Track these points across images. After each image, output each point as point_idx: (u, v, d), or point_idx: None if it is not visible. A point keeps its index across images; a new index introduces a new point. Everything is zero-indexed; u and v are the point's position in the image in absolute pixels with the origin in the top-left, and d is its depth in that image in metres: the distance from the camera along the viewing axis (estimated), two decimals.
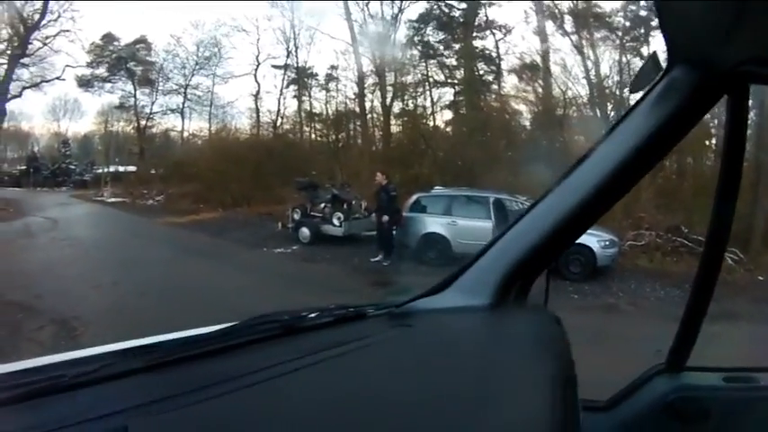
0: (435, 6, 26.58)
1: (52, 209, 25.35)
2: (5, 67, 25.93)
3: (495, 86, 26.50)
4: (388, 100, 26.83)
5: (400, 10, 26.56)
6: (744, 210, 15.56)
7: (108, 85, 29.68)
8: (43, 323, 10.50)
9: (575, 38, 24.19)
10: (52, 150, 33.00)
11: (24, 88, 26.85)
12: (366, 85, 27.39)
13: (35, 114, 31.63)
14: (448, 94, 27.28)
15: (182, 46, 29.06)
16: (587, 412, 2.31)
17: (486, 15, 26.08)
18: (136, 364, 1.47)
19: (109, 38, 28.94)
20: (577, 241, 2.26)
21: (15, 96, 26.72)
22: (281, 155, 26.03)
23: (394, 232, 16.69)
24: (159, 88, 29.99)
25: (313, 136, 29.55)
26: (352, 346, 1.77)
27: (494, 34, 25.99)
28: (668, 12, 1.65)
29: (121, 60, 29.28)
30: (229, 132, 29.74)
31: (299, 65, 28.56)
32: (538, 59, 24.97)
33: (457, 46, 26.91)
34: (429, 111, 27.32)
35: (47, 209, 25.28)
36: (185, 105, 29.99)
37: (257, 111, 29.17)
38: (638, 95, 2.01)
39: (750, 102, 2.01)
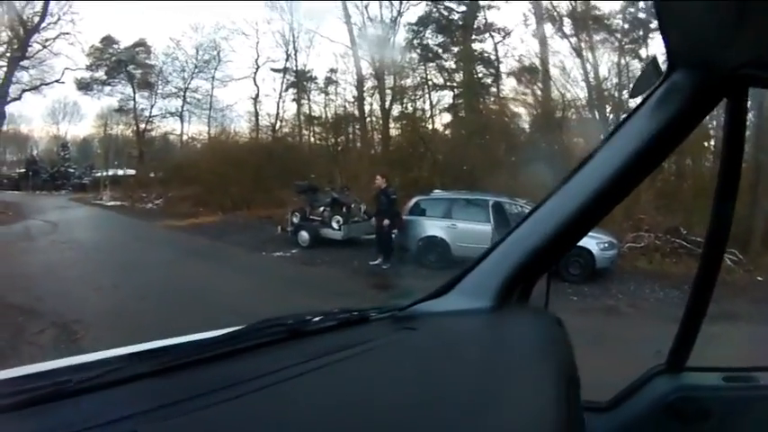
0: (434, 9, 26.59)
1: (51, 212, 25.32)
2: (5, 69, 25.91)
3: (494, 89, 26.51)
4: (388, 103, 26.81)
5: (399, 13, 26.55)
6: (743, 211, 15.58)
7: (107, 89, 29.67)
8: (44, 326, 10.51)
9: (574, 40, 24.18)
10: (51, 153, 32.90)
11: (24, 91, 26.84)
12: (365, 89, 27.37)
13: (34, 117, 31.57)
14: (447, 96, 27.30)
15: (181, 49, 29.03)
16: (588, 413, 2.31)
17: (485, 18, 26.07)
18: (142, 368, 1.47)
19: (108, 41, 28.93)
20: (577, 243, 2.27)
21: (15, 99, 26.70)
22: (281, 158, 26.01)
23: (393, 235, 16.67)
24: (158, 91, 29.97)
25: (312, 139, 29.51)
26: (357, 349, 1.78)
27: (493, 37, 25.99)
28: (668, 16, 1.67)
29: (121, 63, 29.23)
30: (228, 136, 29.71)
31: (299, 68, 28.51)
32: (537, 62, 24.96)
33: (456, 49, 26.88)
34: (428, 114, 27.28)
35: (46, 212, 25.26)
36: (184, 108, 29.95)
37: (256, 114, 29.14)
38: (638, 100, 2.03)
39: (749, 103, 2.03)
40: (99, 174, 31.35)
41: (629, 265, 16.71)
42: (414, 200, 17.38)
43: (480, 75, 26.49)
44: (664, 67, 1.92)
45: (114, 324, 10.30)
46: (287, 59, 28.26)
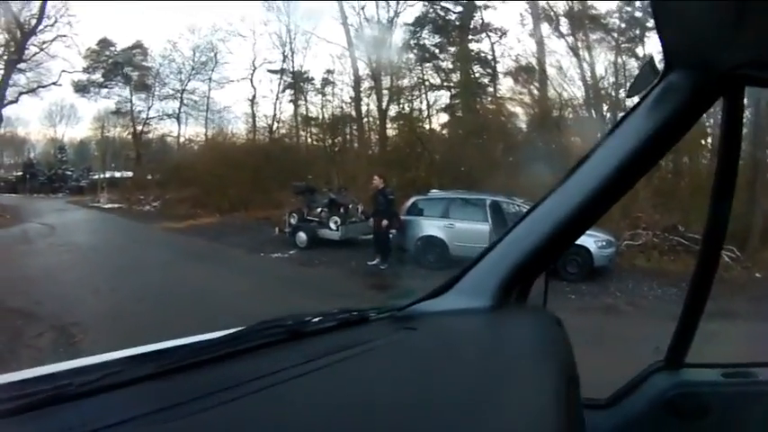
0: (431, 10, 26.60)
1: (49, 215, 25.29)
2: (2, 72, 25.92)
3: (491, 89, 26.51)
4: (385, 103, 26.79)
5: (396, 13, 26.57)
6: (741, 208, 15.63)
7: (104, 91, 29.70)
8: (42, 330, 10.50)
9: (570, 40, 24.20)
10: (49, 156, 32.94)
11: (21, 93, 26.85)
12: (362, 89, 27.38)
13: (31, 120, 31.62)
14: (444, 97, 27.31)
15: (178, 51, 29.07)
16: (588, 410, 2.32)
17: (481, 18, 26.09)
18: (142, 371, 1.47)
19: (105, 43, 28.97)
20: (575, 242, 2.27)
21: (12, 102, 26.71)
22: (278, 159, 26.01)
23: (391, 236, 16.67)
24: (155, 93, 29.98)
25: (309, 140, 29.47)
26: (357, 350, 1.78)
27: (489, 37, 25.99)
28: (664, 16, 1.67)
29: (118, 65, 29.24)
30: (226, 137, 29.72)
31: (296, 69, 28.52)
32: (534, 62, 24.99)
33: (453, 49, 26.88)
34: (425, 114, 27.29)
35: (44, 215, 25.24)
36: (182, 110, 29.96)
37: (253, 115, 29.18)
38: (636, 99, 2.03)
39: (746, 101, 2.04)
40: (96, 176, 31.33)
41: (627, 263, 16.75)
42: (411, 200, 17.41)
43: (477, 75, 26.51)
44: (660, 66, 1.93)
45: (113, 327, 10.30)
46: (284, 61, 28.35)
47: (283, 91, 28.90)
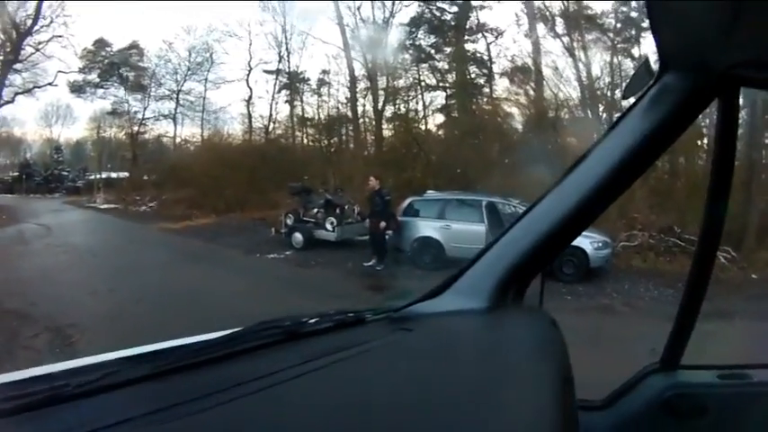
0: (426, 10, 26.59)
1: (45, 215, 25.25)
2: None
3: (486, 90, 26.46)
4: (381, 104, 26.79)
5: (392, 14, 26.56)
6: (736, 209, 15.64)
7: (100, 91, 29.59)
8: (39, 331, 10.50)
9: (566, 40, 24.21)
10: (45, 156, 32.87)
11: (17, 94, 26.78)
12: (358, 90, 27.37)
13: (27, 120, 31.46)
14: (440, 97, 27.27)
15: (174, 51, 28.99)
16: (584, 411, 2.34)
17: (477, 18, 26.06)
18: (140, 372, 1.47)
19: (101, 43, 28.89)
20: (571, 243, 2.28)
21: (8, 102, 26.66)
22: (274, 160, 26.01)
23: (387, 237, 16.68)
24: (151, 94, 29.88)
25: (305, 141, 29.44)
26: (353, 351, 1.78)
27: (485, 37, 25.95)
28: (660, 17, 1.68)
29: (114, 66, 29.18)
30: (222, 138, 29.68)
31: (291, 70, 28.48)
32: (529, 62, 24.97)
33: (448, 49, 26.85)
34: (421, 114, 27.26)
35: (40, 215, 25.19)
36: (177, 111, 29.87)
37: (249, 116, 29.12)
38: (632, 100, 2.04)
39: (741, 101, 2.05)
40: (92, 176, 31.27)
41: (623, 263, 16.77)
42: (407, 201, 17.40)
43: (473, 75, 26.49)
44: (656, 67, 1.94)
45: (110, 327, 10.31)
46: (279, 61, 28.28)
47: (279, 91, 28.89)
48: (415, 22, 26.68)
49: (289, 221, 19.69)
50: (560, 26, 24.37)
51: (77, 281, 14.83)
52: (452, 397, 1.47)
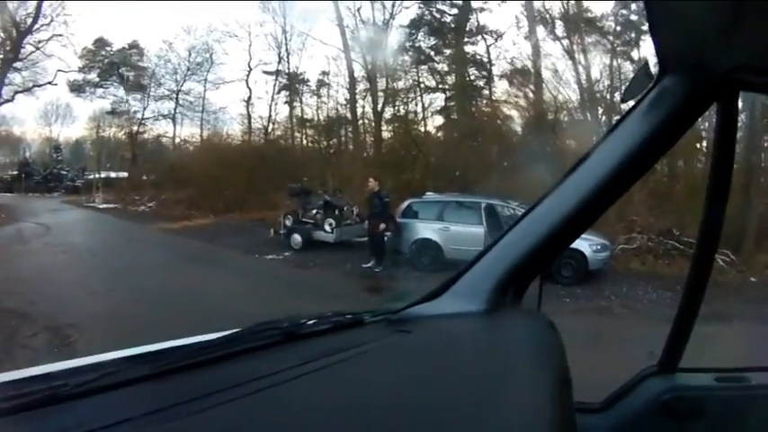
0: (426, 12, 26.62)
1: (44, 214, 25.26)
2: None
3: (486, 92, 26.50)
4: (380, 105, 26.81)
5: (392, 15, 26.59)
6: (736, 212, 15.65)
7: (100, 91, 29.68)
8: (37, 330, 10.47)
9: (566, 42, 24.26)
10: (44, 155, 32.94)
11: (16, 92, 26.85)
12: (357, 91, 27.41)
13: (27, 119, 31.54)
14: (439, 99, 27.32)
15: (174, 51, 29.06)
16: (582, 414, 2.34)
17: (477, 21, 26.11)
18: (139, 372, 1.47)
19: (101, 43, 28.96)
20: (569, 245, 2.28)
21: (7, 101, 26.73)
22: (273, 161, 26.04)
23: (386, 238, 16.68)
24: (151, 94, 29.94)
25: (305, 142, 29.49)
26: (351, 352, 1.78)
27: (485, 39, 26.01)
28: (659, 20, 1.68)
29: (113, 65, 29.24)
30: (221, 138, 29.73)
31: (291, 71, 28.53)
32: (529, 64, 25.00)
33: (448, 51, 26.92)
34: (420, 116, 27.30)
35: (39, 214, 25.21)
36: (177, 111, 29.94)
37: (249, 117, 29.17)
38: (631, 103, 2.04)
39: (741, 104, 2.07)
40: (91, 176, 31.30)
41: (621, 266, 16.78)
42: (406, 202, 17.40)
43: (472, 77, 26.55)
44: (655, 70, 1.94)
45: (108, 327, 10.28)
46: (279, 62, 28.34)
47: (279, 92, 28.96)
48: (414, 24, 26.75)
49: (288, 222, 19.70)
50: (560, 29, 24.46)
51: (76, 280, 14.81)
52: (450, 398, 1.47)
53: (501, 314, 2.11)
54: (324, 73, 28.18)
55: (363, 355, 1.79)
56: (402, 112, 27.13)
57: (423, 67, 27.05)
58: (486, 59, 26.12)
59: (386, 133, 27.13)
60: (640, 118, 1.97)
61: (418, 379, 1.63)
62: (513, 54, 25.50)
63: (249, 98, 28.83)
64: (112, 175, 30.66)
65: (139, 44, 29.37)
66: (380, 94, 26.84)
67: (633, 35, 23.59)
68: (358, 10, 26.37)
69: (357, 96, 27.40)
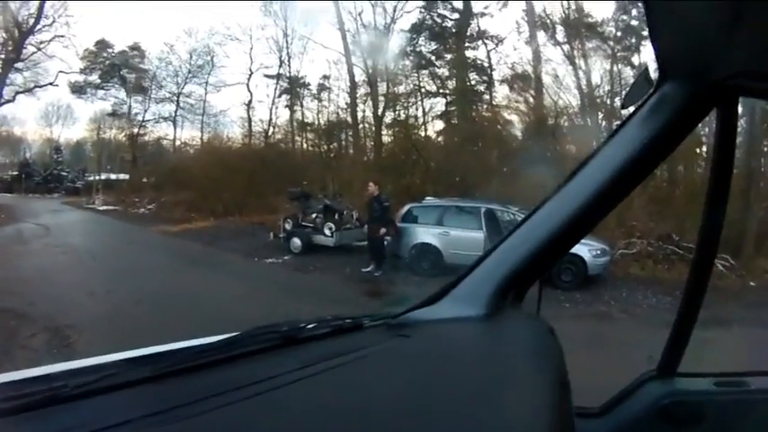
0: (428, 16, 26.65)
1: (44, 215, 25.21)
2: None
3: (486, 96, 26.49)
4: (381, 110, 26.79)
5: (393, 20, 26.60)
6: (735, 217, 15.66)
7: (101, 92, 29.64)
8: (36, 331, 10.46)
9: (566, 48, 24.27)
10: (44, 156, 32.88)
11: (18, 93, 26.82)
12: (358, 95, 27.40)
13: (28, 120, 31.45)
14: (440, 104, 27.30)
15: (175, 54, 29.00)
16: (581, 418, 2.34)
17: (478, 26, 26.12)
18: (139, 374, 1.48)
19: (102, 44, 28.94)
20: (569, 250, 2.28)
21: (9, 101, 26.70)
22: (274, 164, 25.99)
23: (385, 242, 16.68)
24: (152, 96, 29.88)
25: (305, 145, 29.47)
26: (351, 356, 1.78)
27: (486, 44, 26.02)
28: (659, 26, 1.69)
29: (115, 67, 29.22)
30: (221, 141, 29.68)
31: (292, 74, 28.53)
32: (529, 69, 25.01)
33: (449, 56, 26.93)
34: (421, 121, 27.30)
35: (39, 215, 25.16)
36: (178, 113, 29.88)
37: (249, 120, 29.12)
38: (631, 109, 2.05)
39: (741, 109, 2.07)
40: (92, 178, 31.26)
41: (621, 271, 16.76)
42: (406, 207, 17.38)
43: (473, 82, 26.54)
44: (655, 76, 1.95)
45: (108, 329, 10.28)
46: (280, 65, 28.32)
47: (279, 96, 28.92)
48: (415, 29, 26.76)
49: (287, 226, 19.69)
50: (561, 34, 24.47)
51: (76, 281, 14.79)
52: (450, 403, 1.48)
53: (500, 319, 2.11)
54: (325, 77, 28.20)
55: (363, 360, 1.80)
56: (402, 116, 27.14)
57: (423, 71, 27.06)
58: (486, 64, 26.17)
59: (386, 137, 27.15)
60: (640, 123, 1.97)
61: (417, 383, 1.63)
62: (513, 59, 25.56)
63: (250, 101, 28.84)
64: (113, 176, 30.63)
65: (141, 46, 29.41)
66: (381, 98, 26.85)
67: (634, 40, 23.59)
68: (359, 14, 26.45)
69: (358, 100, 27.42)
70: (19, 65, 26.25)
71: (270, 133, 29.06)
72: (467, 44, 26.30)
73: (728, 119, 2.02)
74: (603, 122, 23.28)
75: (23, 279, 14.19)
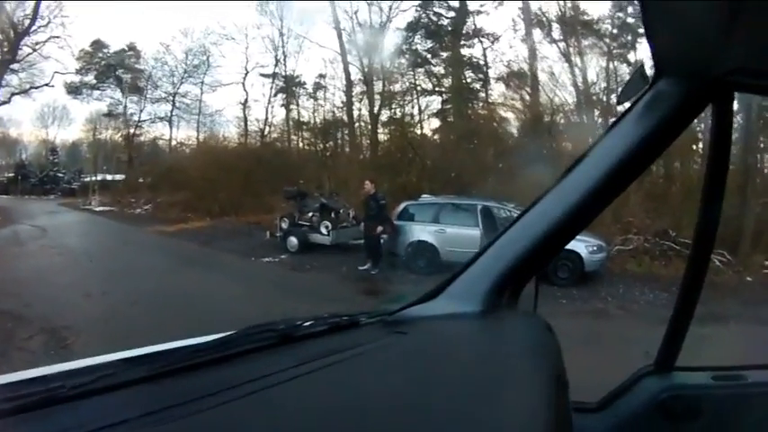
0: (423, 15, 26.63)
1: (40, 217, 25.18)
2: None
3: (482, 94, 26.48)
4: (376, 108, 26.80)
5: (388, 18, 26.57)
6: (732, 212, 15.69)
7: (96, 93, 29.58)
8: (33, 332, 10.46)
9: (562, 45, 24.27)
10: (40, 158, 32.81)
11: (13, 94, 26.69)
12: (354, 94, 27.35)
13: (24, 121, 31.45)
14: (436, 102, 27.27)
15: (170, 54, 28.95)
16: (579, 413, 2.34)
17: (473, 23, 26.09)
18: (135, 374, 1.48)
19: (98, 45, 28.87)
20: (565, 247, 2.29)
21: (4, 102, 26.58)
22: (270, 163, 25.95)
23: (382, 241, 16.70)
24: (148, 96, 29.85)
25: (301, 144, 29.43)
26: (347, 354, 1.78)
27: (481, 42, 25.99)
28: (655, 23, 1.69)
29: (110, 68, 29.18)
30: (217, 141, 29.61)
31: (288, 73, 28.44)
32: (525, 67, 25.01)
33: (445, 54, 26.89)
34: (417, 119, 27.29)
35: (35, 217, 25.12)
36: (174, 113, 29.86)
37: (245, 119, 29.07)
38: (627, 105, 2.05)
39: (737, 105, 2.07)
40: (88, 178, 31.21)
41: (618, 267, 16.76)
42: (402, 205, 17.40)
43: (469, 80, 26.52)
44: (650, 73, 1.95)
45: (104, 330, 10.28)
46: (276, 65, 28.27)
47: (275, 95, 28.88)
48: (411, 27, 26.73)
49: (284, 225, 19.67)
50: (557, 31, 24.46)
51: (72, 283, 14.76)
52: (446, 399, 1.48)
53: (497, 315, 2.12)
54: (320, 76, 28.13)
55: (359, 357, 1.80)
56: (398, 114, 27.14)
57: (419, 69, 27.03)
58: (482, 62, 26.15)
59: (382, 136, 27.15)
60: (636, 120, 1.98)
61: (414, 380, 1.63)
62: (509, 57, 25.54)
63: (246, 101, 28.80)
64: (109, 177, 30.57)
65: (136, 46, 29.34)
66: (377, 96, 26.83)
67: (629, 38, 23.58)
68: (355, 13, 26.41)
69: (353, 99, 27.37)
70: (14, 66, 26.16)
71: (266, 132, 29.07)
72: (462, 42, 26.27)
73: (724, 115, 2.03)
74: (600, 120, 23.30)
75: (20, 281, 14.19)
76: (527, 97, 24.87)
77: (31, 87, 27.08)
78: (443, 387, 1.57)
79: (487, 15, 25.71)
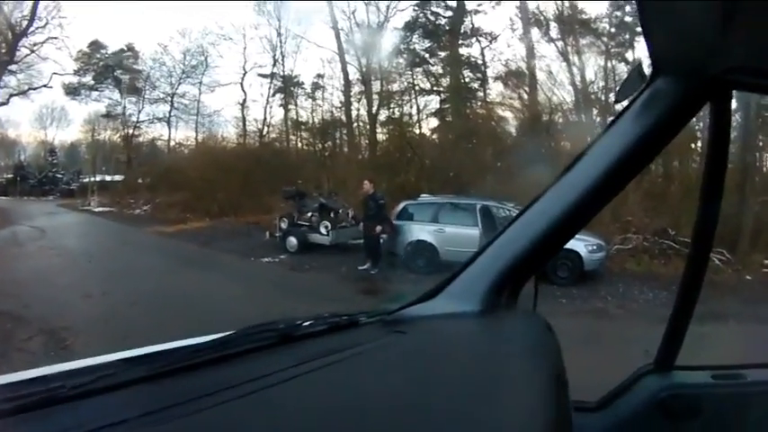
0: (421, 14, 26.64)
1: (39, 218, 25.20)
2: None
3: (480, 94, 26.48)
4: (375, 108, 26.83)
5: (386, 18, 26.62)
6: (731, 211, 15.70)
7: (95, 94, 29.68)
8: (32, 333, 10.45)
9: (560, 44, 24.30)
10: (39, 159, 32.88)
11: (11, 95, 26.76)
12: (352, 94, 27.37)
13: (22, 122, 31.54)
14: (434, 101, 27.32)
15: (168, 54, 29.04)
16: (578, 413, 2.34)
17: (471, 23, 26.13)
18: (135, 374, 1.47)
19: (96, 45, 28.93)
20: (564, 246, 2.29)
21: (2, 104, 26.70)
22: (268, 164, 25.94)
23: (381, 240, 16.69)
24: (146, 97, 29.95)
25: (300, 144, 29.46)
26: (347, 353, 1.78)
27: (479, 42, 26.03)
28: (652, 22, 1.69)
29: (108, 68, 29.21)
30: (216, 141, 29.66)
31: (286, 73, 28.49)
32: (523, 66, 25.03)
33: (443, 54, 26.91)
34: (415, 118, 27.34)
35: (34, 218, 25.13)
36: (172, 114, 29.93)
37: (244, 119, 29.14)
38: (625, 104, 2.05)
39: (736, 104, 2.08)
40: (87, 179, 31.27)
41: (617, 266, 16.77)
42: (401, 205, 17.38)
43: (467, 79, 26.51)
44: (648, 71, 1.95)
45: (104, 330, 10.27)
46: (274, 65, 28.36)
47: (273, 95, 28.95)
48: (409, 27, 26.76)
49: (283, 225, 19.65)
50: (554, 30, 24.48)
51: (71, 284, 14.76)
52: (446, 399, 1.48)
53: (496, 315, 2.12)
54: (319, 76, 28.19)
55: (359, 356, 1.79)
56: (397, 114, 27.17)
57: (417, 69, 27.06)
58: (480, 61, 26.18)
59: (381, 136, 27.20)
60: (633, 118, 1.98)
61: (413, 379, 1.63)
62: (507, 56, 25.59)
63: (244, 101, 28.87)
64: (108, 178, 30.62)
65: (134, 47, 29.41)
66: (375, 96, 26.86)
67: (627, 37, 23.61)
68: (353, 12, 26.47)
69: (352, 99, 27.39)
70: (12, 67, 26.21)
71: (264, 132, 29.13)
72: (460, 41, 26.29)
73: (722, 113, 2.02)
74: (598, 118, 23.31)
75: (19, 282, 14.19)
76: (525, 96, 24.94)
77: (30, 88, 27.20)
78: (443, 387, 1.57)
79: (485, 15, 25.82)
